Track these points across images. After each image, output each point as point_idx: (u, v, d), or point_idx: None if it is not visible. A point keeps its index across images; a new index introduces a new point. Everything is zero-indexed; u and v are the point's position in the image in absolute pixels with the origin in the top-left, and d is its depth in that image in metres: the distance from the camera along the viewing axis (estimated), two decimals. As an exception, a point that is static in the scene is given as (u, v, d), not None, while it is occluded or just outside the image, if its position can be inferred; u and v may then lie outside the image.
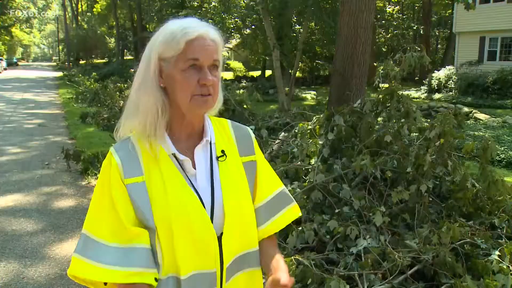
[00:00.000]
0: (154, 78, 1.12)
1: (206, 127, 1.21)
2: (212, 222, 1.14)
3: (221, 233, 1.15)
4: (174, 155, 1.15)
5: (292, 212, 1.34)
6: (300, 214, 1.36)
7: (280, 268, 1.18)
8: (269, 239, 1.30)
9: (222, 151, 1.21)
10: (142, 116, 1.13)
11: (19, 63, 66.21)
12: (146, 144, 1.14)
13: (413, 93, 18.69)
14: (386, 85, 4.40)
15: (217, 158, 1.20)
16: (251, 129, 1.36)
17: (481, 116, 11.40)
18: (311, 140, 4.48)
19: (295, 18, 19.11)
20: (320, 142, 4.30)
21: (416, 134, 4.39)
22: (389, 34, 28.23)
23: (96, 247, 1.11)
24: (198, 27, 1.11)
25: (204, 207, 1.13)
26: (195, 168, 1.16)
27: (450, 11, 26.89)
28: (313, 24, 19.90)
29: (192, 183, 1.15)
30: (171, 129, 1.17)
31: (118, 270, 1.09)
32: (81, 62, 44.87)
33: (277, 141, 5.55)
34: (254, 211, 1.26)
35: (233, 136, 1.26)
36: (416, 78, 25.45)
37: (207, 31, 1.12)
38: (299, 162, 4.33)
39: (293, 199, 1.36)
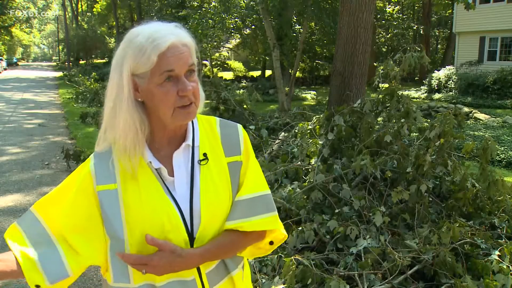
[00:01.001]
0: (129, 95, 1.07)
1: (188, 130, 1.17)
2: (192, 229, 1.12)
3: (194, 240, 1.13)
4: (151, 162, 1.12)
5: (269, 221, 1.20)
6: (278, 227, 1.23)
7: (192, 253, 1.10)
8: (230, 231, 1.17)
9: (204, 154, 1.16)
10: (120, 133, 1.09)
11: (19, 63, 66.25)
12: (126, 159, 1.11)
13: (413, 93, 18.69)
14: (386, 85, 4.40)
15: (199, 161, 1.15)
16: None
17: (481, 116, 11.39)
18: (311, 140, 4.48)
19: (295, 18, 19.11)
20: (320, 142, 4.30)
21: (416, 134, 4.39)
22: (389, 34, 28.23)
23: (34, 226, 1.13)
24: (167, 35, 1.04)
25: (183, 214, 1.11)
26: (173, 175, 1.13)
27: (450, 11, 26.89)
28: (313, 24, 19.91)
29: (170, 191, 1.12)
30: (153, 137, 1.14)
31: (30, 256, 1.09)
32: (81, 62, 44.85)
33: (277, 141, 5.55)
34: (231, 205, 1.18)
35: (220, 135, 1.21)
36: (416, 78, 25.46)
37: (177, 37, 1.06)
38: (299, 162, 4.33)
39: (275, 208, 1.24)
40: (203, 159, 1.16)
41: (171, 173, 1.13)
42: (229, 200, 1.18)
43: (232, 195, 1.18)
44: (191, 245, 1.12)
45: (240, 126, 1.26)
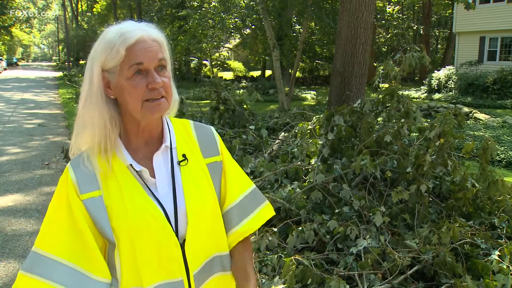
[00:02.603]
0: (99, 91, 1.08)
1: (165, 131, 1.17)
2: (177, 229, 1.11)
3: (184, 240, 1.13)
4: (131, 165, 1.11)
5: (266, 211, 1.30)
6: (274, 213, 1.33)
7: (248, 280, 1.20)
8: (243, 242, 1.26)
9: (183, 155, 1.17)
10: (89, 132, 1.09)
11: (19, 63, 66.25)
12: (100, 159, 1.10)
13: (413, 93, 18.70)
14: (386, 85, 4.40)
15: (179, 163, 1.16)
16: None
17: (481, 116, 11.39)
18: (311, 140, 4.48)
19: (295, 18, 19.11)
20: (320, 142, 4.30)
21: (416, 134, 4.39)
22: (389, 34, 28.24)
23: (47, 264, 1.06)
24: (135, 30, 1.06)
25: (167, 215, 1.10)
26: (154, 177, 1.13)
27: (450, 11, 26.89)
28: (313, 24, 19.91)
29: (152, 192, 1.11)
30: (128, 138, 1.14)
31: None
32: (81, 62, 44.83)
33: (277, 141, 5.55)
34: (225, 212, 1.23)
35: (195, 137, 1.22)
36: (416, 78, 25.47)
37: (146, 33, 1.08)
38: (299, 162, 4.33)
39: (265, 197, 1.33)
40: (182, 160, 1.17)
41: (152, 175, 1.13)
42: (213, 199, 1.19)
43: (215, 194, 1.20)
44: (182, 247, 1.12)
45: (213, 128, 1.29)
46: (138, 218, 1.07)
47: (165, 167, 1.15)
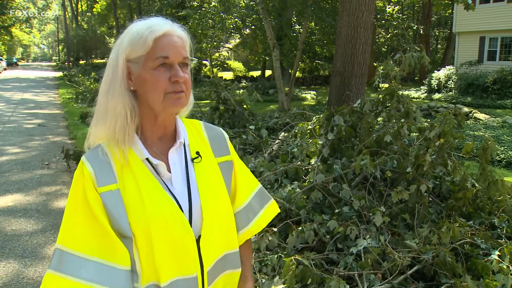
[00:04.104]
0: (122, 81, 1.09)
1: (178, 128, 1.18)
2: (190, 225, 1.11)
3: (199, 236, 1.13)
4: (147, 159, 1.11)
5: (271, 210, 1.35)
6: (279, 211, 1.37)
7: (245, 281, 1.27)
8: (245, 242, 1.31)
9: (197, 153, 1.18)
10: (110, 121, 1.09)
11: (19, 63, 66.24)
12: (117, 151, 1.10)
13: (413, 93, 18.70)
14: (386, 85, 4.40)
15: (192, 160, 1.17)
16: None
17: (481, 116, 11.39)
18: (311, 140, 4.48)
19: (295, 18, 19.11)
20: (320, 142, 4.30)
21: (416, 134, 4.39)
22: (389, 34, 28.24)
23: (73, 262, 1.05)
24: (164, 24, 1.10)
25: (182, 211, 1.10)
26: (170, 172, 1.13)
27: (450, 11, 26.90)
28: (313, 24, 19.91)
29: (168, 187, 1.12)
30: (142, 133, 1.14)
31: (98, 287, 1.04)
32: (81, 62, 44.86)
33: (277, 141, 5.55)
34: (235, 214, 1.26)
35: (206, 137, 1.24)
36: (416, 78, 25.47)
37: (173, 28, 1.11)
38: (299, 162, 4.33)
39: (270, 196, 1.36)
40: (196, 157, 1.18)
41: (168, 170, 1.14)
42: (226, 197, 1.21)
43: (227, 192, 1.22)
44: (198, 243, 1.12)
45: (222, 129, 1.31)
46: (156, 213, 1.07)
47: (179, 164, 1.16)
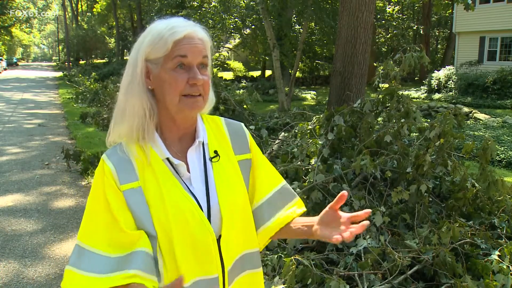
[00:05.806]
0: (141, 80, 1.10)
1: (198, 127, 1.18)
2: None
3: (219, 236, 1.12)
4: (168, 159, 1.11)
5: (297, 206, 1.29)
6: (305, 209, 1.31)
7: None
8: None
9: (215, 152, 1.18)
10: (129, 120, 1.10)
11: (19, 63, 66.28)
12: (135, 149, 1.11)
13: (413, 93, 18.69)
14: (386, 85, 4.40)
15: (211, 159, 1.17)
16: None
17: (481, 116, 11.40)
18: (311, 140, 4.48)
19: (295, 18, 19.11)
20: (320, 142, 4.30)
21: (416, 134, 4.39)
22: (389, 34, 28.24)
23: (92, 258, 1.06)
24: (185, 26, 1.08)
25: (202, 210, 1.10)
26: (189, 172, 1.13)
27: (450, 11, 26.90)
28: (313, 24, 19.91)
29: (188, 187, 1.12)
30: (162, 132, 1.14)
31: (117, 274, 1.04)
32: (81, 62, 44.86)
33: (277, 141, 5.55)
34: (256, 209, 1.23)
35: (227, 134, 1.23)
36: (416, 78, 25.48)
37: (194, 30, 1.10)
38: (299, 162, 4.33)
39: (296, 194, 1.32)
40: (214, 156, 1.17)
41: (187, 170, 1.14)
42: (245, 196, 1.20)
43: (246, 191, 1.21)
44: (218, 242, 1.11)
45: (243, 125, 1.29)
46: (177, 213, 1.07)
47: (198, 163, 1.15)
